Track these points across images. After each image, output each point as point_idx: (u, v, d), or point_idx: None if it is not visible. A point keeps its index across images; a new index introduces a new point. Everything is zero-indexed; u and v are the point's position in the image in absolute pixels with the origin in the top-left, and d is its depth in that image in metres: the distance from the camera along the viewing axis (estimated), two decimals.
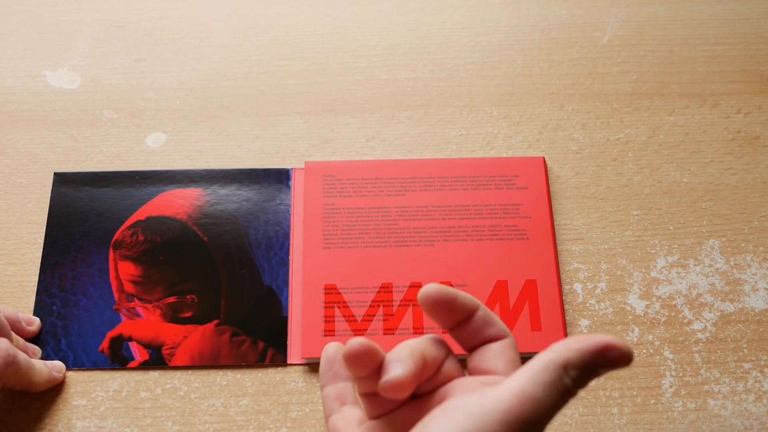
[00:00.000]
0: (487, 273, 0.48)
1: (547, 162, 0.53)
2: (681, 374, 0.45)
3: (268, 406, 0.45)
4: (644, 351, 0.46)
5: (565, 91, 0.55)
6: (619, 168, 0.52)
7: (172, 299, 0.48)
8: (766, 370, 0.45)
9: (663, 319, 0.47)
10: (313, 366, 0.46)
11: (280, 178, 0.52)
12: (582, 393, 0.45)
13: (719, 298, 0.48)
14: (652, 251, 0.49)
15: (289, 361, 0.46)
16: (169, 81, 0.56)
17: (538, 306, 0.47)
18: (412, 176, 0.51)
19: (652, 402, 0.45)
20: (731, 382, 0.45)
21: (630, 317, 0.47)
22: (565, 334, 0.46)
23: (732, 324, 0.47)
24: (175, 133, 0.54)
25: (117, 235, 0.50)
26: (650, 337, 0.47)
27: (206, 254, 0.49)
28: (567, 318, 0.47)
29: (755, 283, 0.48)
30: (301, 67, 0.57)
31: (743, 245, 0.49)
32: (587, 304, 0.48)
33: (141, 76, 0.56)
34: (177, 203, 0.51)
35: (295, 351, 0.46)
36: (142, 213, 0.50)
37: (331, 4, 0.60)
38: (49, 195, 0.51)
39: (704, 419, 0.44)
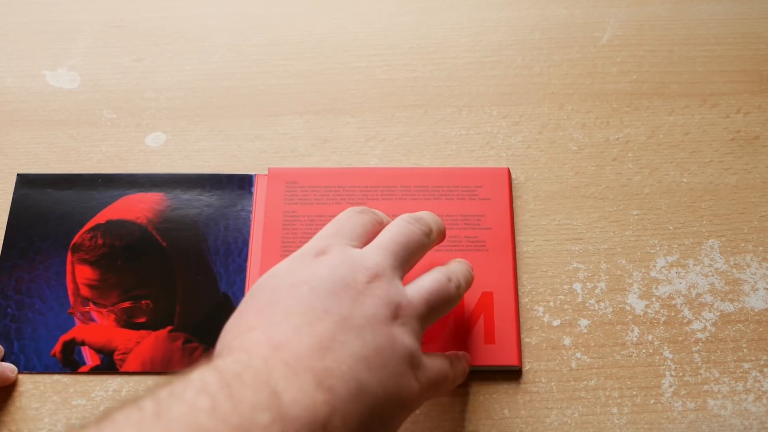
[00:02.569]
0: None
1: (547, 161, 0.52)
2: (681, 374, 0.45)
3: None
4: (644, 351, 0.46)
5: (565, 91, 0.55)
6: (618, 168, 0.52)
7: (126, 304, 0.47)
8: (765, 370, 0.45)
9: (663, 318, 0.47)
10: None
11: (242, 184, 0.51)
12: (582, 393, 0.45)
13: (719, 297, 0.48)
14: (652, 251, 0.49)
15: None
16: (169, 81, 0.56)
17: (493, 318, 0.46)
18: (374, 185, 0.50)
19: (652, 402, 0.45)
20: (731, 382, 0.45)
21: (630, 317, 0.47)
22: (519, 348, 0.45)
23: (732, 324, 0.47)
24: (174, 132, 0.54)
25: (76, 239, 0.49)
26: (650, 337, 0.47)
27: (164, 259, 0.49)
28: (567, 318, 0.47)
29: (755, 283, 0.48)
30: (301, 67, 0.57)
31: (743, 245, 0.49)
32: (587, 304, 0.48)
33: (141, 76, 0.56)
34: (138, 207, 0.50)
35: None
36: (102, 216, 0.50)
37: (331, 4, 0.60)
38: (11, 196, 0.51)
39: (704, 419, 0.44)
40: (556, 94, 0.55)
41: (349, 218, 0.40)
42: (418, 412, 0.44)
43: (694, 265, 0.49)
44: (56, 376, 0.45)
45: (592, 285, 0.48)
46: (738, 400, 0.44)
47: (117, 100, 0.55)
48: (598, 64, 0.57)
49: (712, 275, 0.48)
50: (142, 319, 0.47)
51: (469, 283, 0.42)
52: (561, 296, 0.48)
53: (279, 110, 0.55)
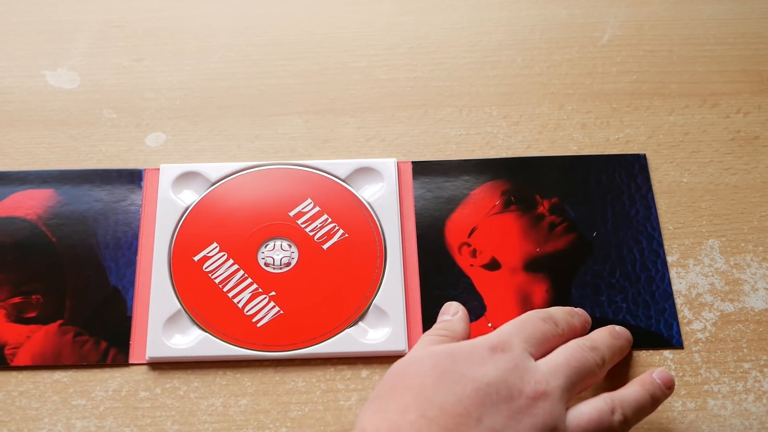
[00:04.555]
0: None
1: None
2: (681, 374, 0.45)
3: (267, 406, 0.45)
4: (644, 351, 0.46)
5: (565, 91, 0.55)
6: None
7: (17, 299, 0.48)
8: (765, 369, 0.45)
9: None
10: (154, 366, 0.46)
11: (132, 178, 0.52)
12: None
13: (719, 297, 0.48)
14: None
15: (130, 361, 0.46)
16: (169, 81, 0.56)
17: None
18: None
19: None
20: (731, 382, 0.45)
21: None
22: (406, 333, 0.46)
23: (732, 324, 0.47)
24: (174, 132, 0.54)
25: None
26: None
27: (54, 255, 0.49)
28: None
29: (755, 283, 0.48)
30: (301, 67, 0.57)
31: (743, 245, 0.49)
32: None
33: (141, 76, 0.56)
34: (28, 204, 0.51)
35: (137, 351, 0.46)
36: None
37: (331, 4, 0.60)
38: None
39: (704, 419, 0.44)
40: (556, 94, 0.55)
41: (532, 322, 0.41)
42: None
43: (694, 265, 0.49)
44: (56, 376, 0.46)
45: None
46: (738, 400, 0.44)
47: (117, 100, 0.55)
48: (598, 64, 0.57)
49: (712, 275, 0.48)
50: (33, 314, 0.47)
51: (638, 416, 0.39)
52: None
53: (279, 110, 0.55)
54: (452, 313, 0.45)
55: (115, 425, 0.44)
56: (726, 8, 0.59)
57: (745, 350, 0.46)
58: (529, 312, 0.42)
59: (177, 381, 0.45)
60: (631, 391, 0.40)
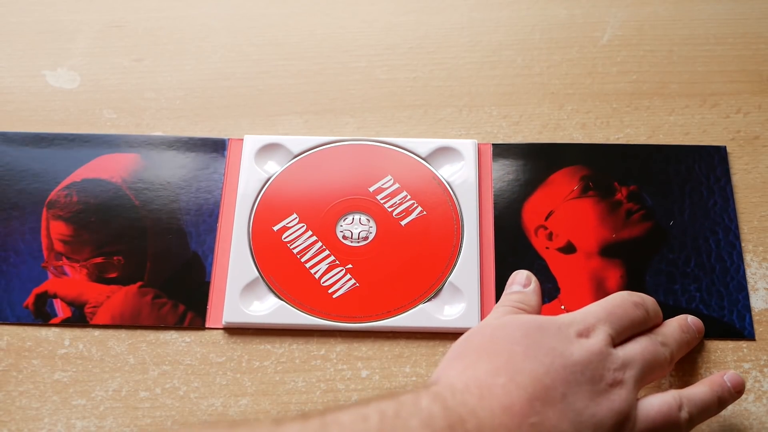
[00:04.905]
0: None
1: None
2: (681, 374, 0.45)
3: (267, 406, 0.45)
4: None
5: (565, 91, 0.55)
6: None
7: (99, 260, 0.49)
8: (766, 370, 0.45)
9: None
10: (230, 331, 0.47)
11: (216, 147, 0.53)
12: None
13: None
14: None
15: (207, 325, 0.47)
16: (169, 81, 0.56)
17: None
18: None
19: None
20: None
21: None
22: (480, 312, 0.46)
23: None
24: (174, 132, 0.54)
25: (52, 195, 0.51)
26: None
27: (136, 218, 0.50)
28: None
29: (755, 283, 0.48)
30: (301, 67, 0.57)
31: (743, 245, 0.49)
32: None
33: (140, 76, 0.57)
34: (113, 167, 0.52)
35: (214, 316, 0.47)
36: (78, 175, 0.51)
37: (331, 4, 0.60)
38: None
39: None
40: (556, 94, 0.55)
41: (623, 306, 0.41)
42: None
43: None
44: (56, 375, 0.46)
45: None
46: (738, 400, 0.44)
47: (117, 100, 0.55)
48: (598, 64, 0.57)
49: None
50: (114, 275, 0.48)
51: (703, 416, 0.40)
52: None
53: (279, 110, 0.55)
54: (524, 284, 0.45)
55: (115, 425, 0.44)
56: (726, 8, 0.59)
57: (745, 350, 0.46)
58: (623, 293, 0.43)
59: (177, 381, 0.45)
60: (699, 391, 0.40)
